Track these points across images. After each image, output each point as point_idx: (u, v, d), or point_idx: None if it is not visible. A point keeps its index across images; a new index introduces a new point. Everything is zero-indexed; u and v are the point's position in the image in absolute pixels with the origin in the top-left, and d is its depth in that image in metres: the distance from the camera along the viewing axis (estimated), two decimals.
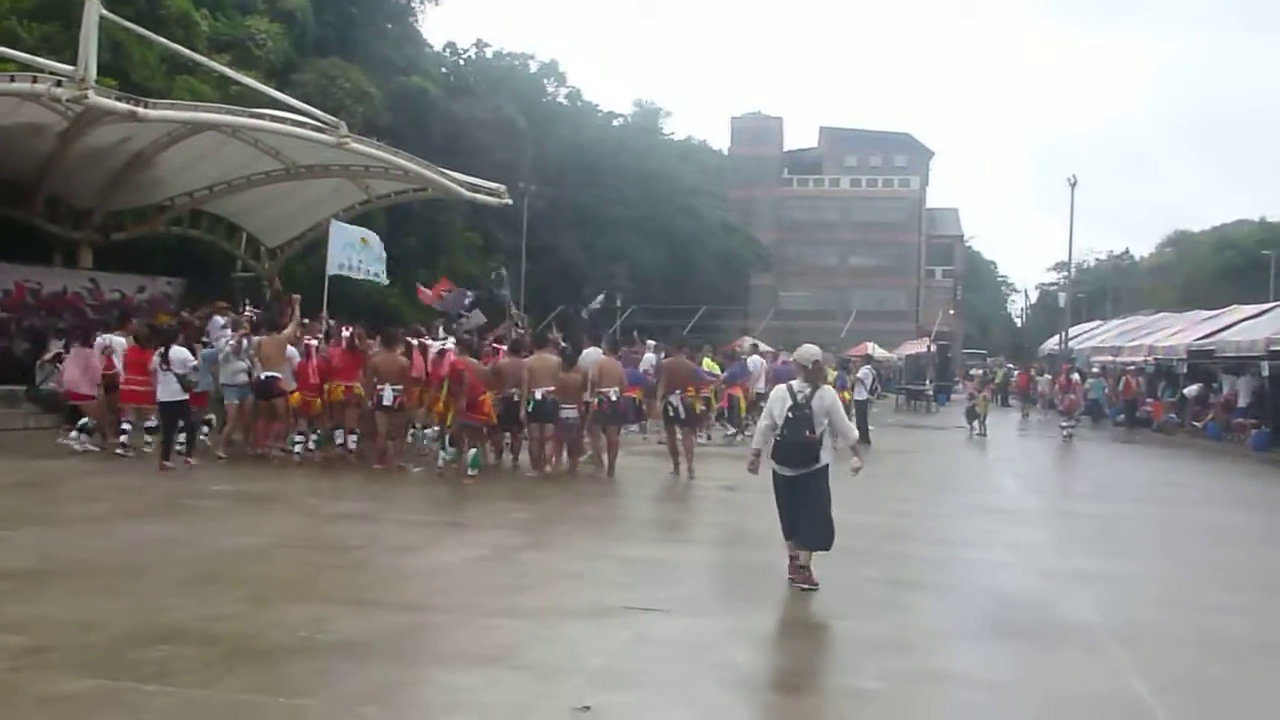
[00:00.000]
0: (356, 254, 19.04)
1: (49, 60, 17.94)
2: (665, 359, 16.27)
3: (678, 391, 14.69)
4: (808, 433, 7.68)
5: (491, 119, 38.77)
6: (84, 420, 14.72)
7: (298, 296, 16.26)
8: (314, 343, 15.05)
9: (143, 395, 13.99)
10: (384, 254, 20.02)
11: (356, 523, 10.22)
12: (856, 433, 8.36)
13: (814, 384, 7.88)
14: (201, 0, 28.00)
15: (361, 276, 19.69)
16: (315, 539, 9.39)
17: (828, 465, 7.88)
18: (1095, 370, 33.14)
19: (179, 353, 13.46)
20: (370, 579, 7.90)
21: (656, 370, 16.97)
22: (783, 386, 8.08)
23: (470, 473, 13.16)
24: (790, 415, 7.76)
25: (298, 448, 14.21)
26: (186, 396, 13.37)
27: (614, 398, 14.05)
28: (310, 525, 10.12)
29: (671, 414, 14.77)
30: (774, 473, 8.03)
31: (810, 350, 8.13)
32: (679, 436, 14.86)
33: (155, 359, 13.47)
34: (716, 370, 20.64)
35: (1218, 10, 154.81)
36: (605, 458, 14.39)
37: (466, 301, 21.94)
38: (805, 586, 7.72)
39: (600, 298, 23.22)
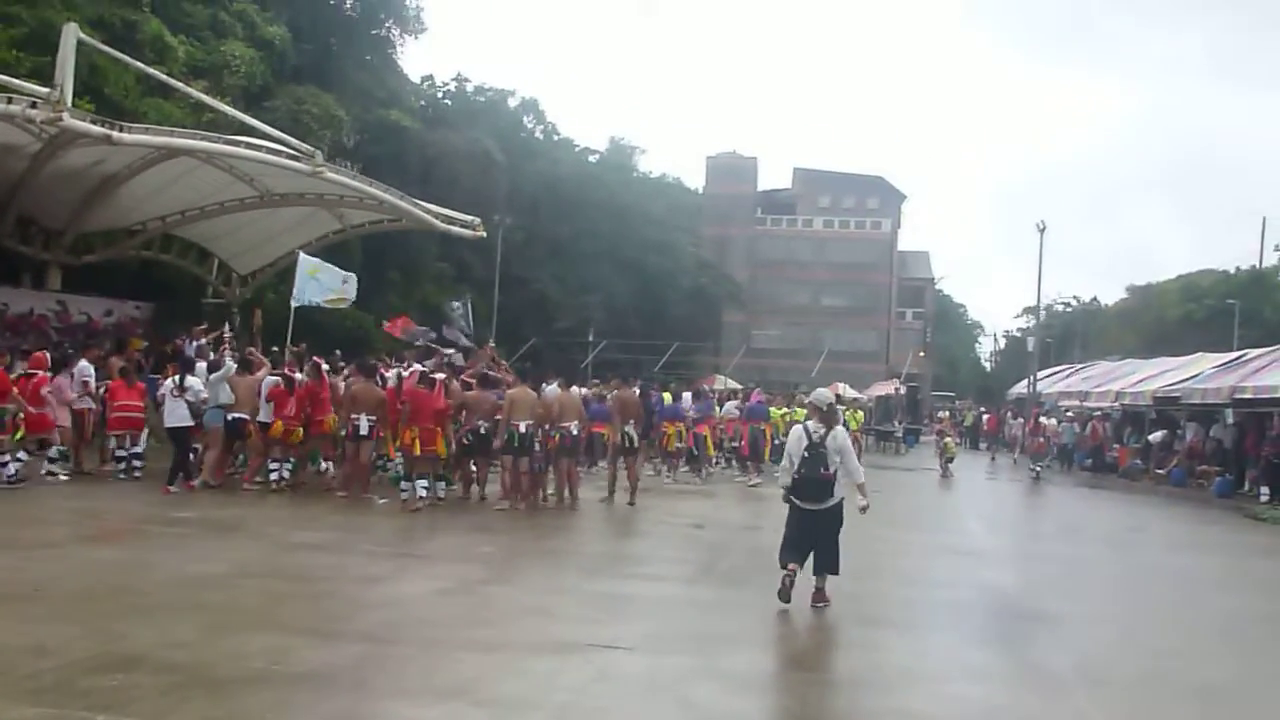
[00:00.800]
0: (315, 284, 19.03)
1: (25, 82, 17.84)
2: (616, 393, 16.41)
3: (631, 422, 15.29)
4: (822, 470, 8.25)
5: (468, 151, 38.88)
6: (53, 449, 14.43)
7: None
8: (298, 375, 14.93)
9: (133, 420, 14.35)
10: (347, 276, 19.98)
11: (320, 552, 10.11)
12: (863, 474, 8.81)
13: (828, 425, 8.43)
14: (179, 25, 27.96)
15: (328, 301, 19.60)
16: (277, 568, 9.27)
17: (843, 499, 8.42)
18: (1069, 414, 33.34)
19: (194, 381, 13.83)
20: (332, 609, 7.80)
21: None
22: (800, 427, 8.68)
23: (408, 498, 13.16)
24: (806, 454, 8.32)
25: (274, 474, 14.18)
26: (194, 423, 13.73)
27: (575, 432, 14.07)
28: (273, 554, 9.99)
29: (627, 444, 15.16)
30: (791, 506, 8.53)
31: (824, 394, 9.06)
32: (620, 467, 15.28)
33: (169, 384, 13.75)
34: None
35: (1187, 55, 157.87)
36: (566, 492, 14.39)
37: (426, 339, 22.16)
38: (821, 605, 8.34)
39: (461, 305, 22.88)
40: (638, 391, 16.81)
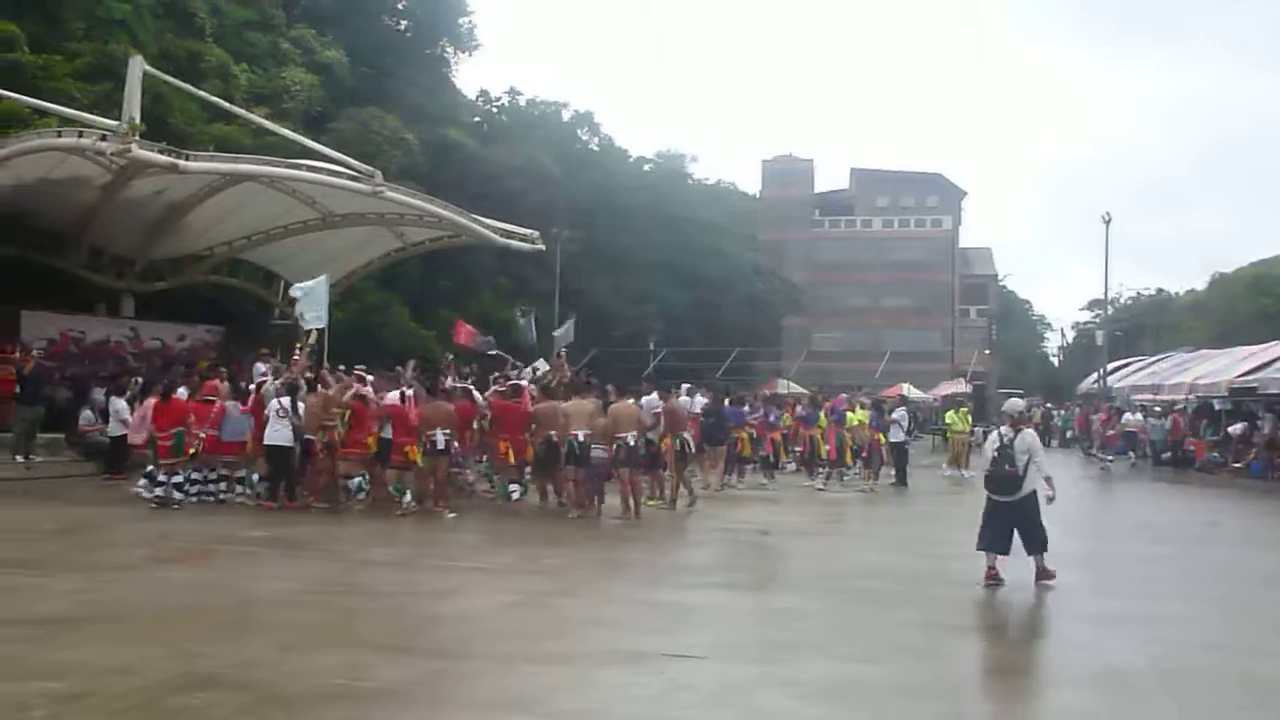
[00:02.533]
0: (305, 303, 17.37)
1: (99, 118, 18.40)
2: (665, 403, 16.40)
3: (685, 432, 15.75)
4: (1008, 467, 9.66)
5: (524, 165, 39.18)
6: (149, 468, 14.70)
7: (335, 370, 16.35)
8: (409, 390, 14.92)
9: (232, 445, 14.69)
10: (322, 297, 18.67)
11: (390, 568, 10.25)
12: (1050, 469, 10.00)
13: (1017, 429, 9.90)
14: (241, 54, 28.65)
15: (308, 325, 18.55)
16: (348, 584, 9.42)
17: (1035, 491, 9.72)
18: (1157, 409, 31.85)
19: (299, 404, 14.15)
20: (405, 625, 7.91)
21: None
22: (995, 431, 10.25)
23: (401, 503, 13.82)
24: (997, 454, 9.79)
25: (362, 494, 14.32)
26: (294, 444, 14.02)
27: (631, 442, 14.17)
28: (343, 571, 10.15)
29: (681, 449, 15.58)
30: (987, 498, 9.97)
31: (1016, 403, 10.67)
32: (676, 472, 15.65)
33: (276, 405, 14.01)
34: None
35: (1262, 30, 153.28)
36: (631, 501, 14.45)
37: (489, 349, 22.05)
38: (1045, 581, 9.65)
39: (568, 325, 22.88)
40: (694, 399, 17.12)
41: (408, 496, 14.06)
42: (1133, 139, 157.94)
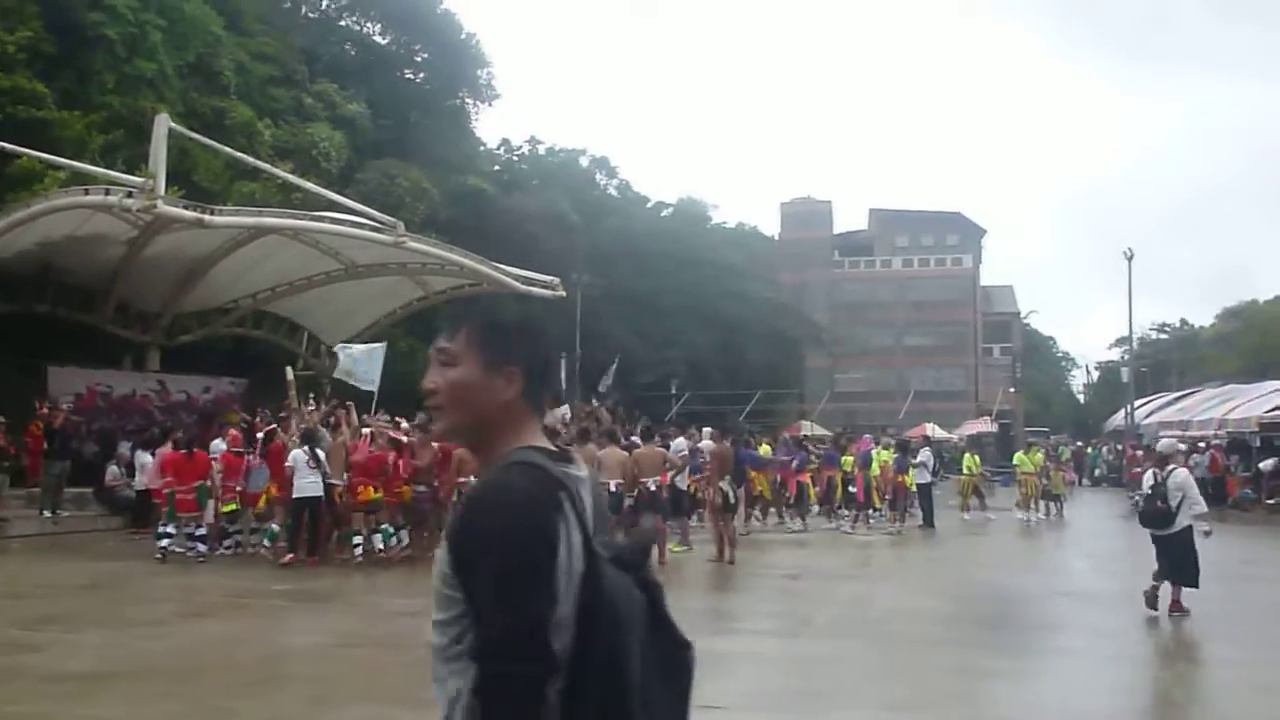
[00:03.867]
0: (360, 365, 17.73)
1: (115, 172, 18.67)
2: (714, 447, 16.33)
3: (727, 478, 14.91)
4: (1159, 503, 10.25)
5: (544, 212, 39.46)
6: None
7: (350, 404, 16.16)
8: (404, 438, 14.89)
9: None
10: (378, 361, 17.87)
11: (418, 619, 10.15)
12: (1203, 504, 10.60)
13: (1168, 467, 10.53)
14: (265, 109, 29.07)
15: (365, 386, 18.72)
16: (377, 637, 9.34)
17: (1189, 525, 10.18)
18: (1201, 445, 30.78)
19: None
20: (430, 677, 7.80)
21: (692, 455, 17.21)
22: (1150, 470, 10.95)
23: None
24: (1150, 491, 10.48)
25: (359, 548, 13.95)
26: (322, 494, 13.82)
27: (653, 488, 14.04)
28: (371, 622, 10.08)
29: (722, 500, 14.82)
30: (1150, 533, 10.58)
31: (1169, 443, 12.03)
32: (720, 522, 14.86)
33: (302, 455, 13.74)
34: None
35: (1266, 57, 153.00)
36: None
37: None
38: (1176, 614, 10.12)
39: (612, 369, 22.72)
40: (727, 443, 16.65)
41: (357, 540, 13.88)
42: (1153, 165, 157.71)
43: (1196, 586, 10.14)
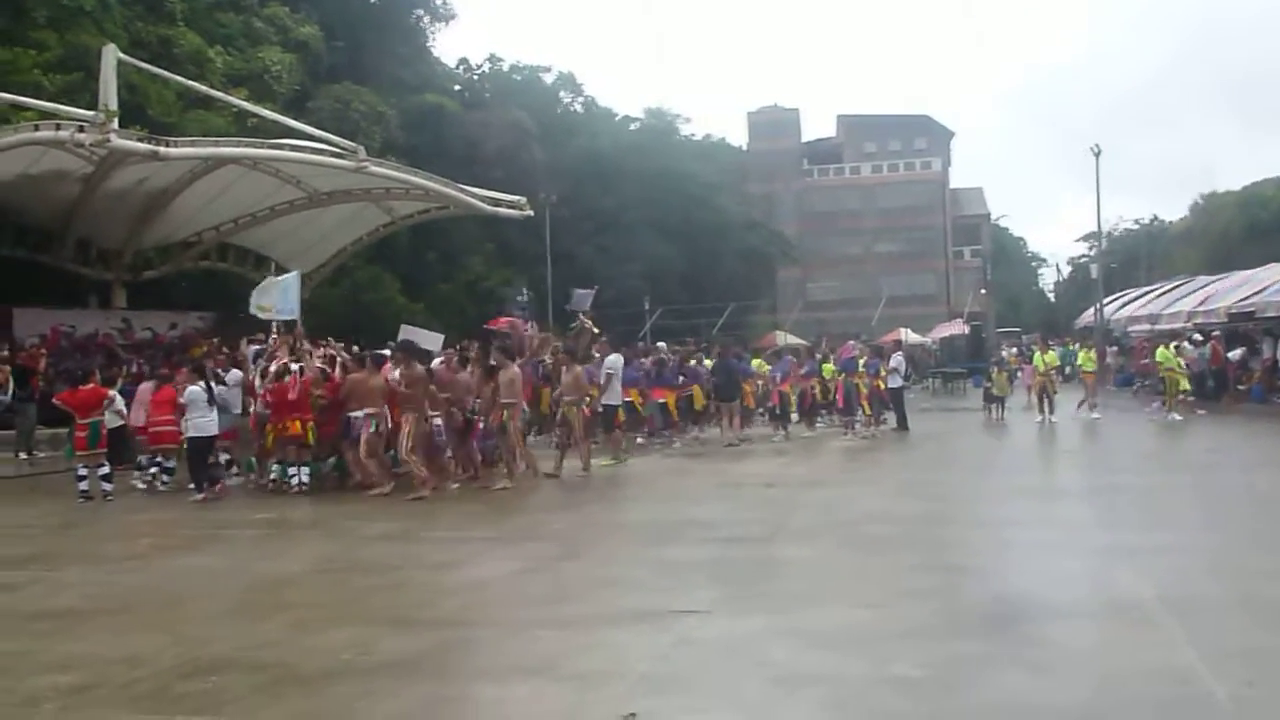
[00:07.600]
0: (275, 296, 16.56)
1: (69, 107, 18.22)
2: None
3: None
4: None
5: (507, 130, 38.94)
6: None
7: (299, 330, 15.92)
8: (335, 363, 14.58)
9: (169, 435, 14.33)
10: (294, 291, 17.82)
11: (394, 543, 10.27)
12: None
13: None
14: (214, 35, 28.32)
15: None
16: (354, 561, 9.42)
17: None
18: (1197, 337, 29.97)
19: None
20: (410, 598, 7.93)
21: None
22: None
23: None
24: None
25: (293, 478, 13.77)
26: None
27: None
28: (348, 548, 10.14)
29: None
30: None
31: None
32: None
33: (200, 392, 13.46)
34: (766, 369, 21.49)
35: None
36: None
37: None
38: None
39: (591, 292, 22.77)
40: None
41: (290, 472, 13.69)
42: (1130, 66, 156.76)
43: None
